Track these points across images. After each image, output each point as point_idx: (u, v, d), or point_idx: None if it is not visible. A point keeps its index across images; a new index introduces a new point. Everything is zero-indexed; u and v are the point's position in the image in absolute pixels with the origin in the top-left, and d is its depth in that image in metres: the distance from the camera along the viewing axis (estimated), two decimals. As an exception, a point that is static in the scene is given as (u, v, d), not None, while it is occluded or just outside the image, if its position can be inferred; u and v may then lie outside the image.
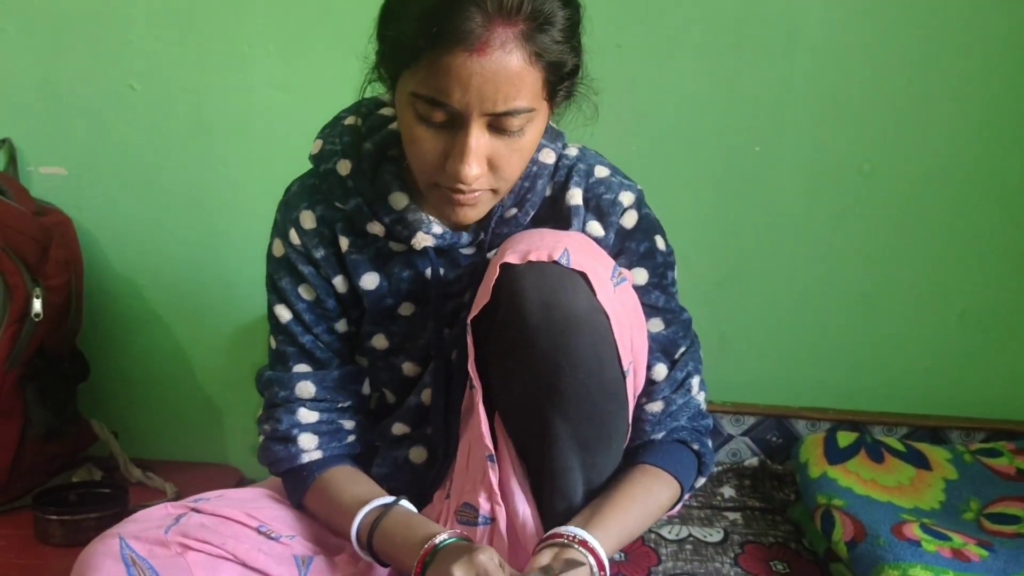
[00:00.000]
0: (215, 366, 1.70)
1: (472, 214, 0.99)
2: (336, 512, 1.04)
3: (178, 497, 1.51)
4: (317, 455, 1.08)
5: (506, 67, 0.88)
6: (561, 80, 0.94)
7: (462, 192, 0.95)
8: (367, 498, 1.02)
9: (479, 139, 0.91)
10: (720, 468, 1.61)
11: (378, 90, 1.03)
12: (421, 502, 1.12)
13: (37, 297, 1.47)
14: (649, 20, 1.55)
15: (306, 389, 1.09)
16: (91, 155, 1.65)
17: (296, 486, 1.09)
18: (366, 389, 1.14)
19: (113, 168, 1.65)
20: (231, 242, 1.64)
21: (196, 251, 1.67)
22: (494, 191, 0.98)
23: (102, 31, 1.61)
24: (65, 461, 1.60)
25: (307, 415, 1.08)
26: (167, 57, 1.61)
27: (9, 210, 1.51)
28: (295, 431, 1.08)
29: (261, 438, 1.11)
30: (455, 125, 0.92)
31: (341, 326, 1.11)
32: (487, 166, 0.94)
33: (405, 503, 1.02)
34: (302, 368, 1.10)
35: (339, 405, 1.10)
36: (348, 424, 1.11)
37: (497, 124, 0.92)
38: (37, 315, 1.46)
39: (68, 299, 1.56)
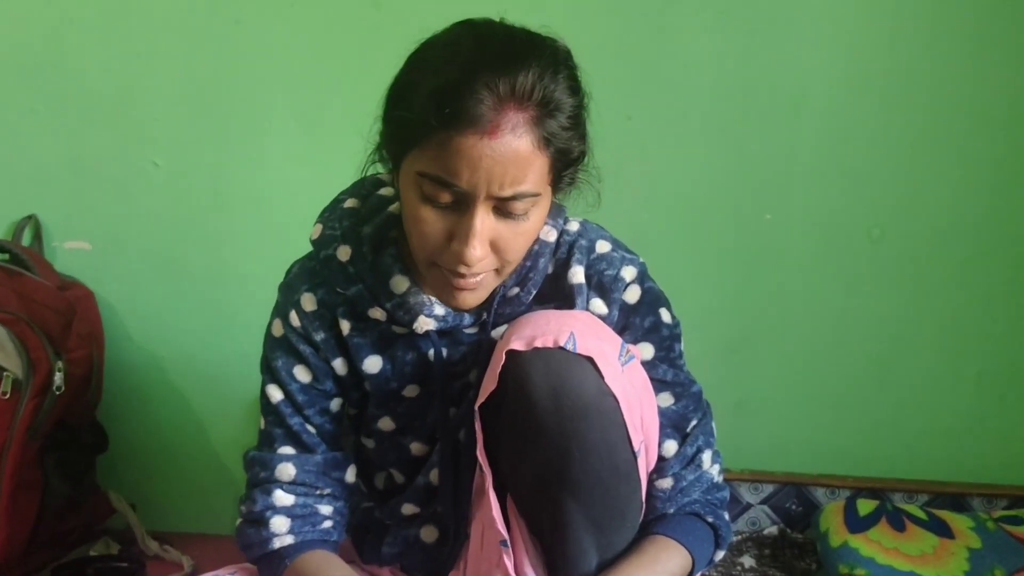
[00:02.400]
0: (232, 437, 1.71)
1: (471, 299, 0.98)
2: None
3: (195, 570, 1.52)
4: (289, 540, 1.05)
5: (516, 150, 0.89)
6: (567, 167, 0.96)
7: (463, 276, 0.95)
8: None
9: (484, 221, 0.92)
10: (739, 537, 1.59)
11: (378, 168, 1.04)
12: (437, 582, 1.12)
13: (59, 370, 1.49)
14: (659, 91, 1.58)
15: (286, 471, 1.07)
16: (114, 230, 1.68)
17: (269, 573, 1.06)
18: (350, 477, 1.12)
19: (135, 242, 1.68)
20: (249, 314, 1.63)
21: (214, 323, 1.69)
22: (496, 272, 0.98)
23: (126, 110, 1.65)
24: (83, 533, 1.60)
25: (283, 498, 1.06)
26: (188, 134, 1.65)
27: (34, 284, 1.55)
28: (268, 513, 1.06)
29: (238, 520, 1.09)
30: (460, 207, 0.92)
31: (335, 405, 1.11)
32: (490, 248, 0.94)
33: None
34: (286, 450, 1.08)
35: (318, 491, 1.08)
36: (325, 510, 1.08)
37: (502, 207, 0.92)
38: (59, 388, 1.48)
39: (89, 372, 1.58)
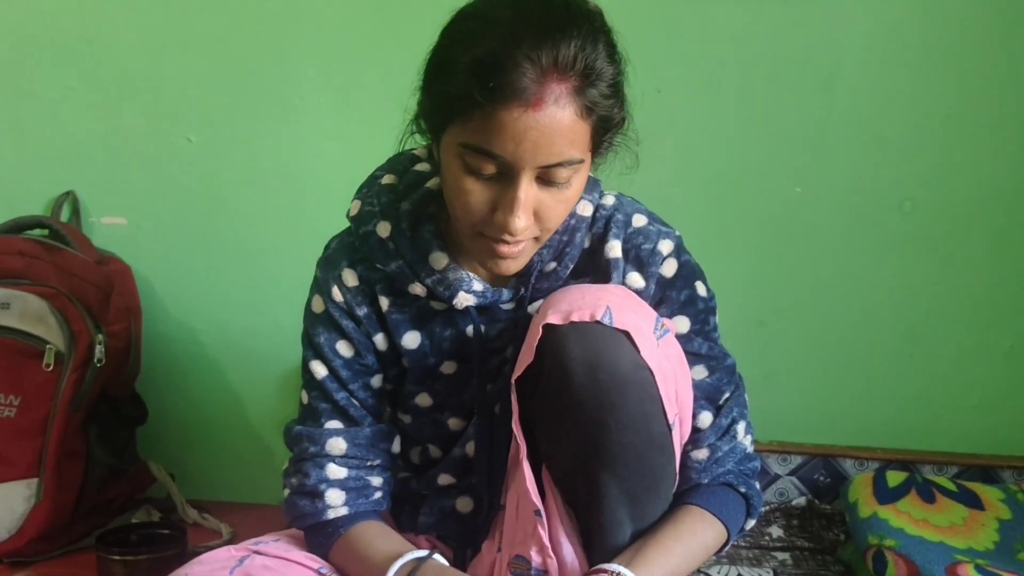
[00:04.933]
0: (268, 408, 1.74)
1: (514, 265, 0.99)
2: (366, 566, 1.03)
3: (234, 538, 1.56)
4: (343, 511, 1.07)
5: (559, 121, 0.89)
6: (607, 132, 0.96)
7: (507, 243, 0.96)
8: (399, 552, 1.01)
9: (528, 191, 0.92)
10: (767, 508, 1.60)
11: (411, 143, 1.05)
12: (469, 551, 1.14)
13: (100, 343, 1.52)
14: (688, 63, 1.58)
15: (337, 446, 1.08)
16: (150, 205, 1.71)
17: (320, 541, 1.08)
18: (396, 447, 1.14)
19: (170, 218, 1.71)
20: (283, 287, 1.68)
21: (249, 296, 1.72)
22: (536, 239, 0.99)
23: (160, 87, 1.68)
24: (125, 502, 1.65)
25: (336, 471, 1.08)
26: (222, 110, 1.67)
27: (73, 259, 1.58)
28: (322, 486, 1.07)
29: (287, 492, 1.11)
30: (504, 178, 0.93)
31: (377, 381, 1.12)
32: (533, 217, 0.95)
33: (438, 557, 1.01)
34: (334, 424, 1.09)
35: (368, 463, 1.10)
36: (376, 481, 1.10)
37: (545, 176, 0.93)
38: (100, 360, 1.52)
39: (128, 344, 1.61)
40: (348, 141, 1.64)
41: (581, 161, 0.94)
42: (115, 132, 1.70)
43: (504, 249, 0.96)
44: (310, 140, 1.66)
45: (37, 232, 1.65)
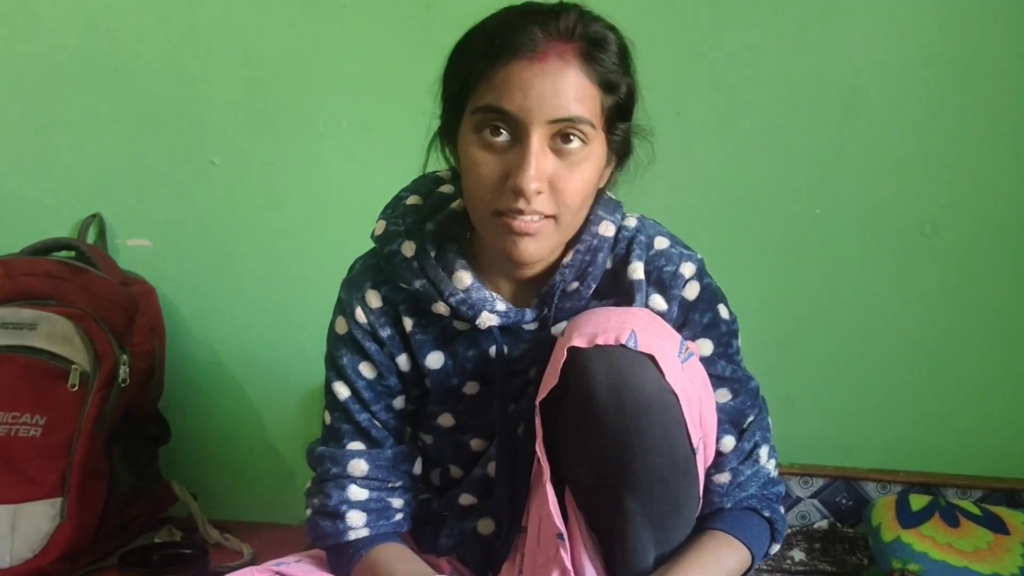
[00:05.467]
0: (289, 429, 1.75)
1: (533, 247, 0.98)
2: None
3: (255, 558, 1.56)
4: (364, 532, 1.08)
5: (564, 73, 0.94)
6: (617, 105, 0.98)
7: (523, 213, 0.95)
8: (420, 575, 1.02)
9: (540, 151, 0.94)
10: (790, 531, 1.60)
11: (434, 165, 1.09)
12: (490, 573, 1.14)
13: (124, 363, 1.54)
14: (708, 87, 1.59)
15: (358, 467, 1.09)
16: (174, 227, 1.74)
17: (342, 562, 1.08)
18: (417, 469, 1.14)
19: (195, 240, 1.73)
20: (305, 308, 1.69)
21: (271, 318, 1.73)
22: (554, 219, 0.98)
23: (185, 111, 1.71)
24: (147, 522, 1.66)
25: (357, 492, 1.08)
26: (245, 133, 1.70)
27: (99, 280, 1.60)
28: (344, 507, 1.07)
29: (308, 512, 1.11)
30: (515, 144, 0.95)
31: (399, 403, 1.12)
32: (548, 187, 0.96)
33: None
34: (356, 446, 1.10)
35: (390, 484, 1.10)
36: (397, 503, 1.11)
37: (557, 142, 0.95)
38: (124, 380, 1.54)
39: (152, 365, 1.63)
40: (370, 164, 1.66)
41: (591, 124, 0.96)
42: (141, 156, 1.73)
43: (521, 224, 0.96)
44: (332, 163, 1.68)
45: (64, 254, 1.68)
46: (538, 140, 0.94)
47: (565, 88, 0.94)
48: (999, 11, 1.51)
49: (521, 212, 0.96)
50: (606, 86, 0.97)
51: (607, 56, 0.96)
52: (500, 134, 0.95)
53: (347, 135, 1.67)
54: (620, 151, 1.04)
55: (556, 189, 0.96)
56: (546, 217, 0.97)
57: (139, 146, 1.72)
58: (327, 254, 1.67)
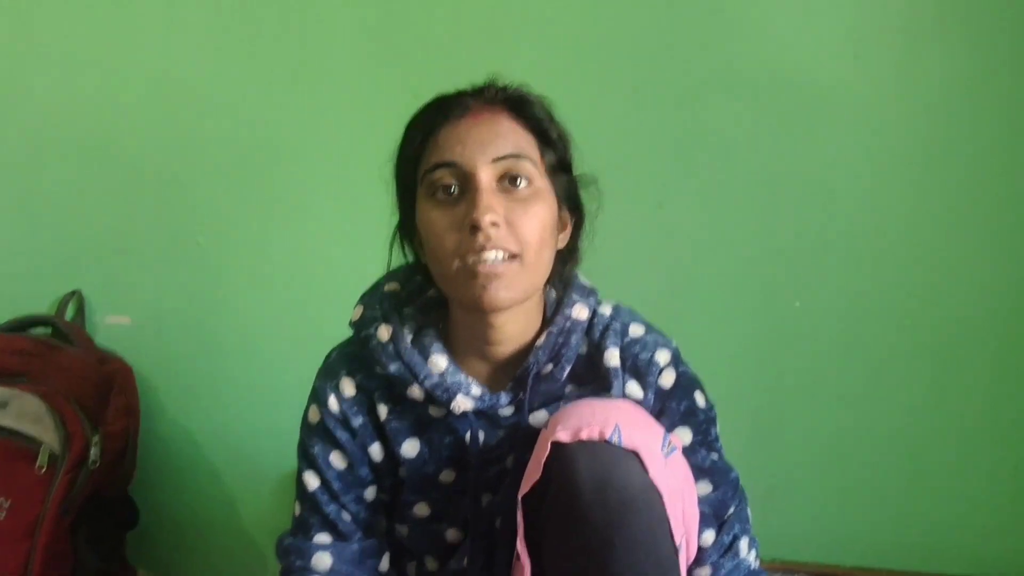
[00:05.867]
0: (262, 514, 1.72)
1: (503, 291, 0.99)
2: None
3: (221, 650, 1.51)
4: None
5: (498, 121, 1.02)
6: (554, 154, 1.05)
7: (485, 249, 0.97)
8: None
9: (489, 187, 0.99)
10: (771, 629, 1.56)
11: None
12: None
13: (95, 444, 1.51)
14: (689, 179, 1.61)
15: (323, 561, 1.08)
16: (155, 305, 1.73)
17: None
18: (384, 565, 1.13)
19: (175, 318, 1.72)
20: (283, 390, 1.66)
21: (249, 399, 1.71)
22: (517, 258, 0.99)
23: (172, 189, 1.71)
24: (111, 609, 1.60)
25: None
26: (231, 213, 1.70)
27: (74, 358, 1.59)
28: None
29: None
30: (466, 192, 1.00)
31: (370, 494, 1.12)
32: (504, 223, 0.98)
33: None
34: (322, 539, 1.10)
35: None
36: None
37: (504, 183, 1.00)
38: (94, 462, 1.51)
39: (124, 446, 1.60)
40: (355, 246, 1.66)
41: (534, 164, 1.01)
42: (125, 232, 1.73)
43: (485, 267, 0.98)
44: (317, 245, 1.68)
45: (41, 330, 1.67)
46: (486, 180, 0.99)
47: (501, 131, 1.01)
48: (977, 115, 1.55)
49: (483, 249, 0.97)
50: (538, 133, 1.04)
51: (532, 108, 1.04)
52: (451, 191, 1.00)
53: (333, 217, 1.68)
54: (569, 203, 1.08)
55: (512, 225, 0.99)
56: (510, 257, 0.99)
57: (124, 222, 1.73)
58: (309, 336, 1.64)
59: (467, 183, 1.00)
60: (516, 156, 1.00)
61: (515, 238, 0.99)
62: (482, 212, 0.97)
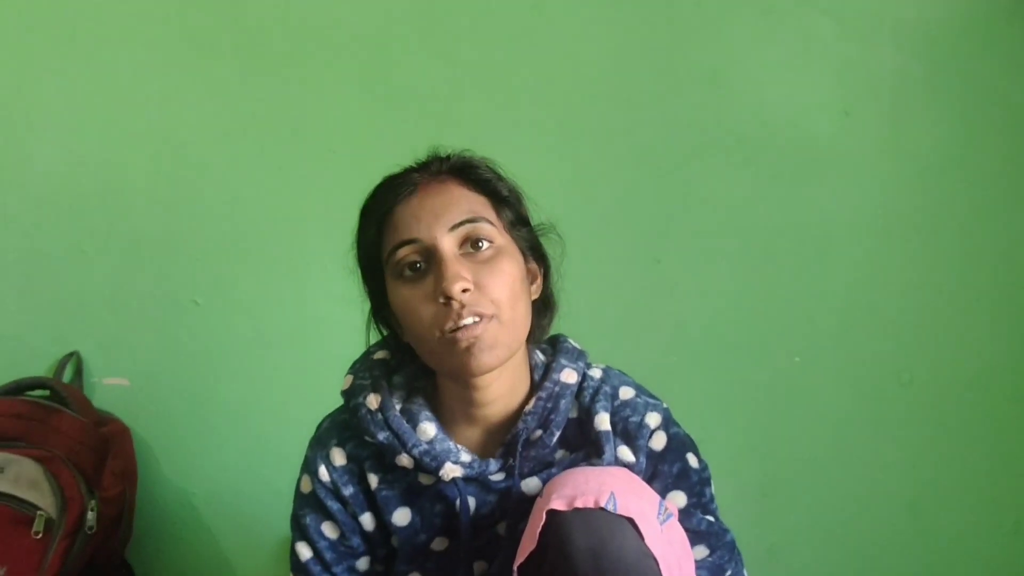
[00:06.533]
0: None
1: (487, 354, 0.99)
2: None
3: None
4: None
5: (450, 192, 1.04)
6: (508, 209, 1.06)
7: (461, 316, 0.97)
8: None
9: (453, 255, 1.00)
10: None
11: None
12: None
13: (92, 510, 1.50)
14: (686, 235, 1.62)
15: None
16: (153, 367, 1.72)
17: None
18: None
19: (173, 379, 1.71)
20: (282, 453, 1.64)
21: (248, 462, 1.70)
22: (494, 318, 0.99)
23: (170, 250, 1.71)
24: None
25: None
26: (229, 274, 1.70)
27: (72, 422, 1.57)
28: None
29: None
30: (432, 265, 1.00)
31: (363, 564, 1.12)
32: (474, 286, 0.98)
33: None
34: None
35: None
36: None
37: (466, 248, 1.01)
38: (91, 528, 1.49)
39: (121, 510, 1.59)
40: (354, 306, 1.65)
41: (492, 224, 1.03)
42: (123, 293, 1.72)
43: (464, 332, 0.98)
44: (316, 305, 1.68)
45: (38, 393, 1.66)
46: (448, 248, 1.00)
47: (454, 199, 1.03)
48: (974, 167, 1.56)
49: (460, 316, 0.98)
50: (489, 192, 1.05)
51: (478, 170, 1.06)
52: (417, 267, 1.01)
53: (332, 277, 1.66)
54: (535, 257, 1.09)
55: (482, 287, 1.00)
56: (484, 317, 0.99)
57: (122, 284, 1.72)
58: (307, 398, 1.62)
59: (431, 256, 1.01)
60: (472, 220, 1.02)
61: (487, 299, 0.99)
62: (451, 282, 0.98)
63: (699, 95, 1.59)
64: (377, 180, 1.63)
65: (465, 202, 1.03)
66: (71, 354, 1.72)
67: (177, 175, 1.71)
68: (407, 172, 1.07)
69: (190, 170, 1.71)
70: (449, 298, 0.97)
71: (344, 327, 1.64)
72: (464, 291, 0.98)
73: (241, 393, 1.70)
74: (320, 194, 1.68)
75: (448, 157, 1.08)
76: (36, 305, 1.75)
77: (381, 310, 1.10)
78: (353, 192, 1.66)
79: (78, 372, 1.72)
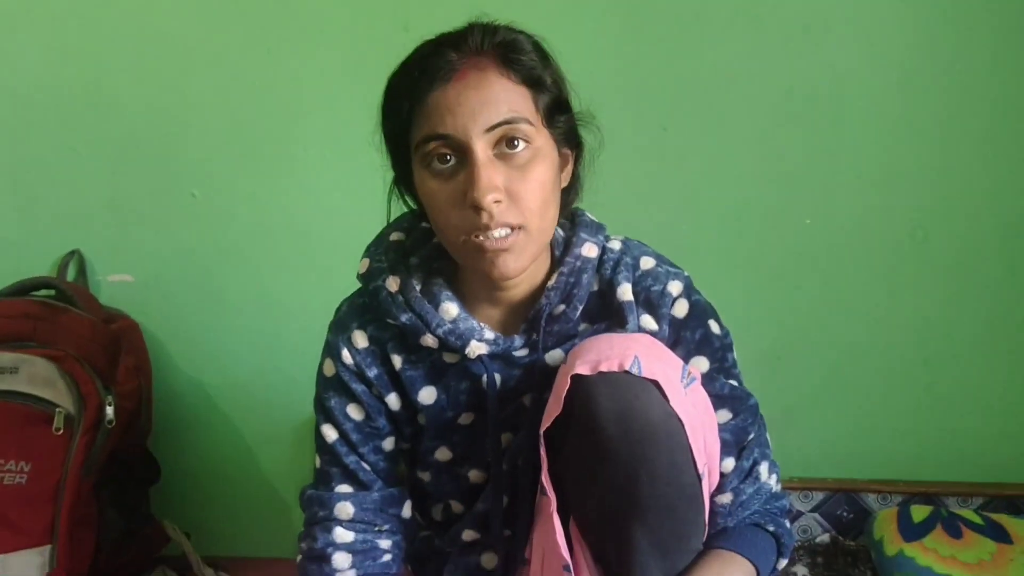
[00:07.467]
0: (281, 461, 1.73)
1: (512, 262, 0.97)
2: None
3: (251, 597, 1.53)
4: (351, 574, 1.09)
5: (486, 82, 0.95)
6: (549, 98, 0.98)
7: (489, 228, 0.94)
8: None
9: (486, 161, 0.94)
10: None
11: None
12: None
13: (109, 404, 1.51)
14: (693, 101, 1.57)
15: (345, 510, 1.10)
16: (156, 262, 1.70)
17: None
18: (406, 512, 1.14)
19: (178, 273, 1.70)
20: (292, 340, 1.67)
21: (258, 349, 1.70)
22: (522, 229, 0.96)
23: (164, 144, 1.67)
24: (140, 564, 1.63)
25: (343, 534, 1.09)
26: (226, 165, 1.66)
27: (80, 320, 1.57)
28: (330, 550, 1.08)
29: (299, 557, 1.12)
30: (463, 164, 0.95)
31: (388, 444, 1.12)
32: (506, 196, 0.95)
33: None
34: (343, 489, 1.11)
35: (376, 527, 1.11)
36: (384, 544, 1.11)
37: (501, 149, 0.95)
38: (110, 422, 1.50)
39: (139, 404, 1.60)
40: (355, 194, 1.61)
41: (530, 123, 0.96)
42: (119, 191, 1.69)
43: (492, 242, 0.95)
44: (317, 193, 1.65)
45: (43, 293, 1.65)
46: (482, 151, 0.94)
47: (491, 95, 0.95)
48: (986, 21, 1.50)
49: (488, 227, 0.95)
50: (531, 82, 0.97)
51: (522, 55, 0.97)
52: (447, 160, 0.96)
53: (329, 162, 1.65)
54: (569, 145, 1.04)
55: (514, 196, 0.95)
56: (515, 229, 0.96)
57: (118, 181, 1.69)
58: (313, 284, 1.65)
59: (462, 153, 0.95)
60: (510, 122, 0.95)
61: (518, 210, 0.96)
62: (483, 193, 0.93)
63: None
64: (374, 61, 1.59)
65: (505, 97, 0.95)
66: (72, 252, 1.70)
67: (166, 66, 1.65)
68: (443, 49, 0.96)
69: (178, 60, 1.64)
70: (479, 208, 0.94)
71: (346, 215, 1.63)
72: (496, 202, 0.94)
73: (246, 284, 1.69)
74: (314, 77, 1.63)
75: (491, 29, 0.98)
76: (32, 207, 1.72)
77: (405, 181, 1.05)
78: (348, 73, 1.62)
79: (81, 270, 1.71)
